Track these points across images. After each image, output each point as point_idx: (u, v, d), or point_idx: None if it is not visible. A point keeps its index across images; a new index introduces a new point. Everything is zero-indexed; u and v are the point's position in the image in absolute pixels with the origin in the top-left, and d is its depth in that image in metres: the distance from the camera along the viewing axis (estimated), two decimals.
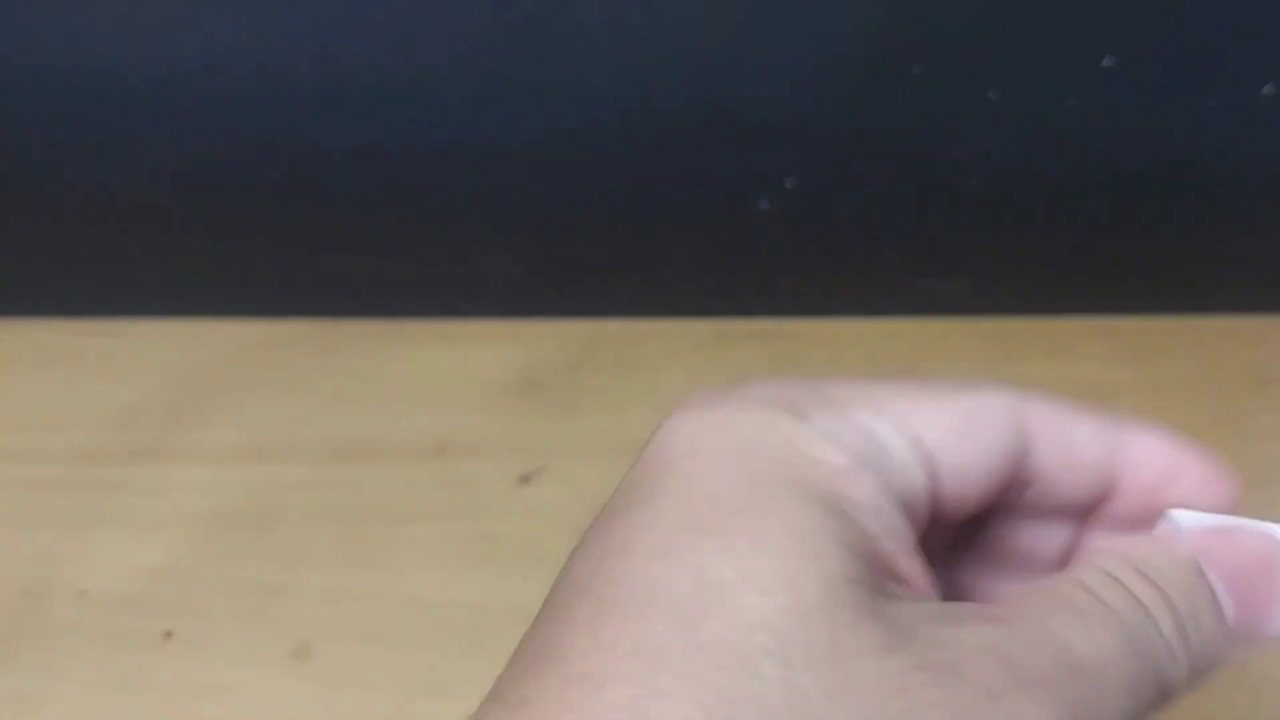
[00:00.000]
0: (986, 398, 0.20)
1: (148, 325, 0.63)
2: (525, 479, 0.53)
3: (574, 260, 0.60)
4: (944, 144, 0.53)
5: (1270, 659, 0.44)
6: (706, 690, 0.16)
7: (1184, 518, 0.20)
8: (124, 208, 0.56)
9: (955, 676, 0.16)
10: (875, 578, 0.18)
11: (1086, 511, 0.22)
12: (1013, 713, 0.16)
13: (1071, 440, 0.21)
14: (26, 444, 0.55)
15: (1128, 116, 0.52)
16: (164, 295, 0.62)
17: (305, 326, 0.63)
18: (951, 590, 0.23)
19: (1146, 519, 0.21)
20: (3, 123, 0.53)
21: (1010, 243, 0.58)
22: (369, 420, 0.57)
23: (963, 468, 0.20)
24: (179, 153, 0.54)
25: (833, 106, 0.52)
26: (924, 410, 0.20)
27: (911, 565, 0.19)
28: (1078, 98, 0.51)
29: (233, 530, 0.50)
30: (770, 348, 0.62)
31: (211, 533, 0.50)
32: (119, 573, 0.48)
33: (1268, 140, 0.53)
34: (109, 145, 0.53)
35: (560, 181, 0.55)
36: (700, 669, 0.16)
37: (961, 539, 0.23)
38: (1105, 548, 0.20)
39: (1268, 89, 0.50)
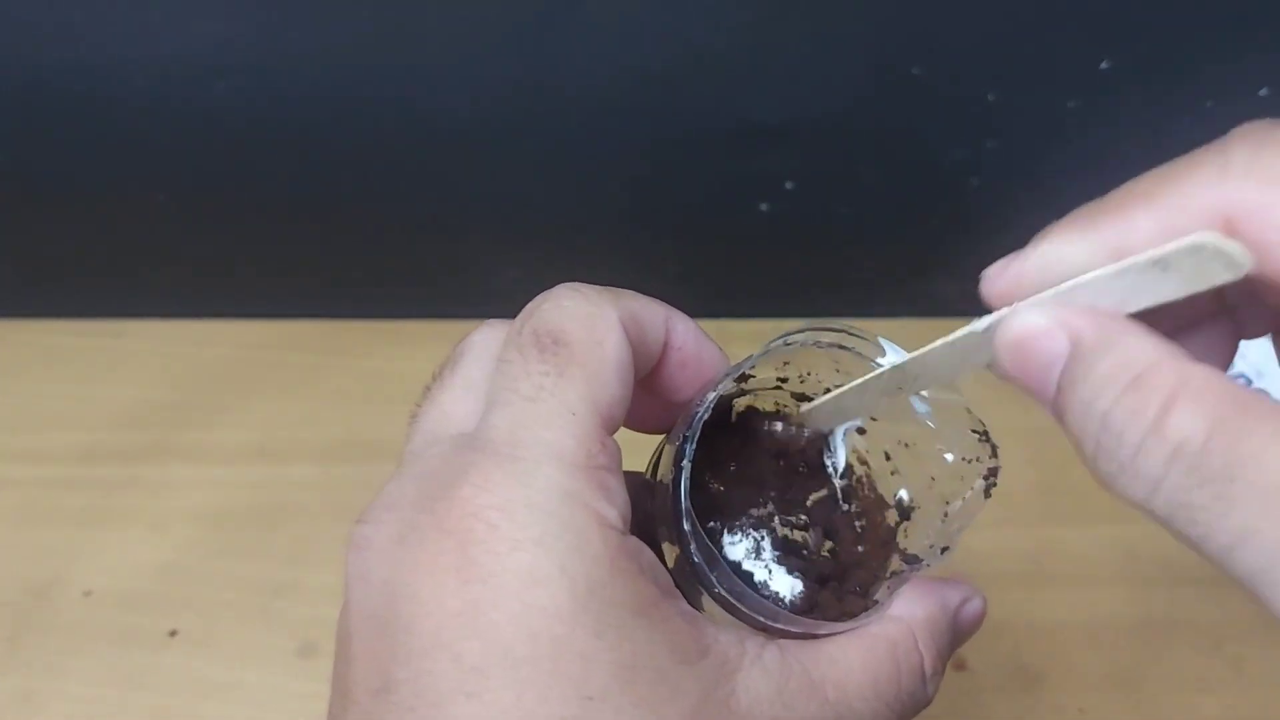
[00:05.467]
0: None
1: (152, 326, 0.63)
2: None
3: (575, 260, 0.60)
4: (943, 146, 0.53)
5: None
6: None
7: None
8: (130, 210, 0.56)
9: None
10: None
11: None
12: None
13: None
14: (32, 444, 0.55)
15: (1126, 119, 0.52)
16: (168, 296, 0.62)
17: (309, 327, 0.63)
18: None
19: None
20: (8, 125, 0.53)
21: (1008, 244, 0.58)
22: (372, 420, 0.57)
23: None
24: (183, 155, 0.54)
25: (833, 109, 0.52)
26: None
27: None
28: (1077, 100, 0.51)
29: (237, 529, 0.50)
30: None
31: (216, 532, 0.50)
32: (124, 571, 0.49)
33: None
34: (114, 147, 0.53)
35: (562, 183, 0.55)
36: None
37: None
38: (914, 616, 0.25)
39: (1264, 91, 0.50)
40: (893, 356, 0.28)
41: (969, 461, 0.27)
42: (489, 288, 0.61)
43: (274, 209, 0.57)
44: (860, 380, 0.26)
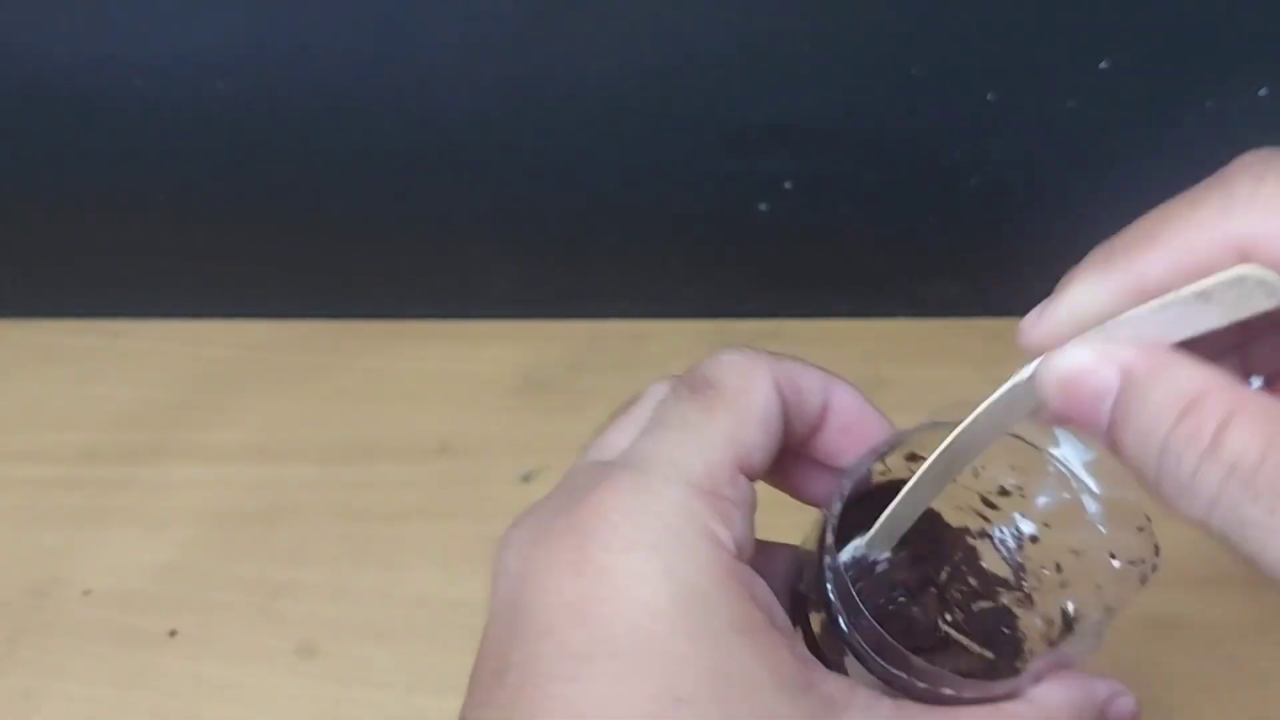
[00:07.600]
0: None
1: (152, 325, 0.63)
2: (527, 478, 0.53)
3: (575, 261, 0.60)
4: (943, 146, 0.53)
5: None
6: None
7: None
8: (130, 210, 0.56)
9: None
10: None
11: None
12: None
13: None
14: (31, 444, 0.55)
15: (1126, 118, 0.52)
16: (168, 296, 0.62)
17: (308, 327, 0.63)
18: None
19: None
20: (8, 125, 0.53)
21: (1007, 243, 0.58)
22: (372, 420, 0.57)
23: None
24: (183, 155, 0.54)
25: (832, 109, 0.52)
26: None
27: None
28: (1076, 99, 0.51)
29: (237, 529, 0.50)
30: (770, 347, 0.62)
31: (215, 531, 0.50)
32: (123, 571, 0.49)
33: (1265, 142, 0.53)
34: (113, 146, 0.53)
35: (562, 183, 0.55)
36: None
37: None
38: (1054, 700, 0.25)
39: (1264, 91, 0.50)
40: (1067, 449, 0.27)
41: (1134, 564, 0.27)
42: (489, 288, 0.61)
43: (274, 209, 0.57)
44: (915, 477, 0.26)
